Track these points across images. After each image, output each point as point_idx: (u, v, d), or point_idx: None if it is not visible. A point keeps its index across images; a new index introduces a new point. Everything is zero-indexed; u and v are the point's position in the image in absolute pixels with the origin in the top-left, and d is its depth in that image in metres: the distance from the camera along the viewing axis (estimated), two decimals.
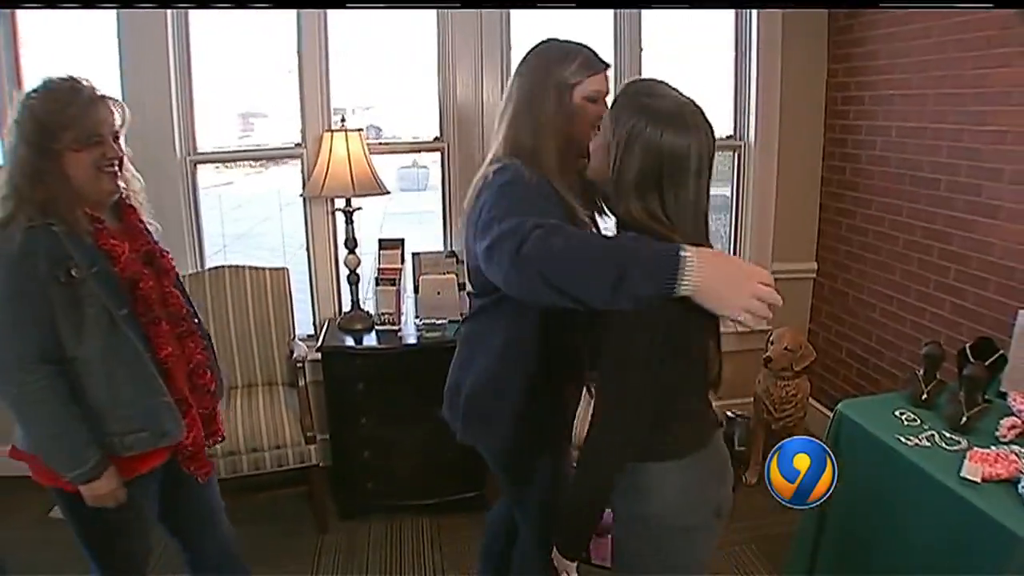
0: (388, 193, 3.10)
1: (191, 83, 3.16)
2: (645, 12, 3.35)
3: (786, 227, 3.66)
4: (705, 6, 3.39)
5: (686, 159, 1.35)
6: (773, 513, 2.81)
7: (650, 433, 1.39)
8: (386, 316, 3.12)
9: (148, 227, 1.81)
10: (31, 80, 2.98)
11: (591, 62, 1.63)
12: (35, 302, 1.53)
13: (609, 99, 1.58)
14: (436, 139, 3.44)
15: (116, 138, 1.66)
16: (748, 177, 3.62)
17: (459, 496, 3.09)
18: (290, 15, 3.16)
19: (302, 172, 3.30)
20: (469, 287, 1.77)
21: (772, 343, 3.18)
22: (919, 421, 2.16)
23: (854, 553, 2.18)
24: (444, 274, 3.14)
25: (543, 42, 1.67)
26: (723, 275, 1.21)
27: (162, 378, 1.68)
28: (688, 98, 1.39)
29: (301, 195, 3.29)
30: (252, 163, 4.02)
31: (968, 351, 2.37)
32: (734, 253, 3.71)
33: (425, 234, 3.77)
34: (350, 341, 3.07)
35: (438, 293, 3.10)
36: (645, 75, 1.56)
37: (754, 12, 3.42)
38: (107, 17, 2.97)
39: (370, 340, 3.07)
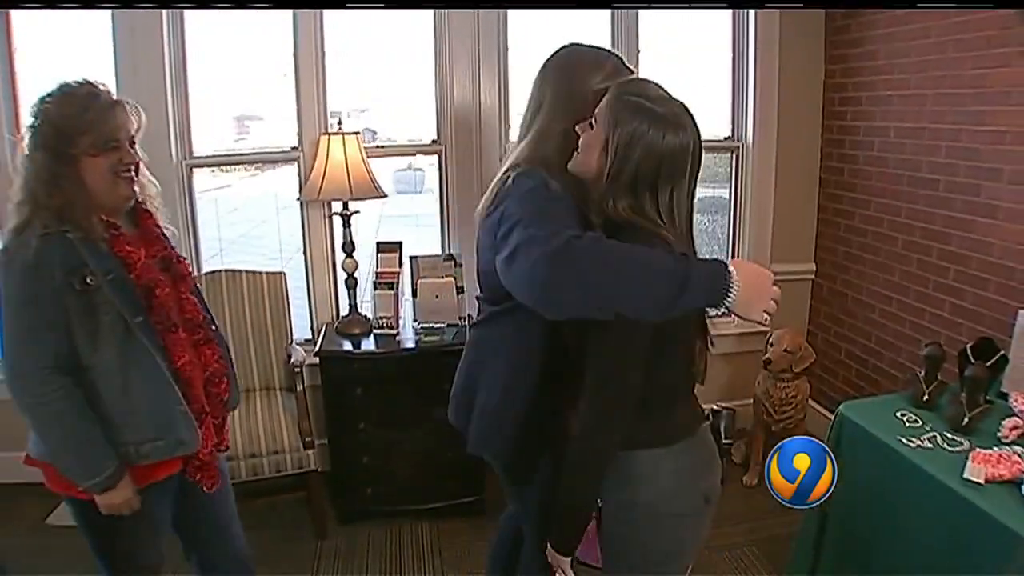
0: (386, 196, 3.09)
1: (187, 86, 3.15)
2: (643, 13, 3.35)
3: (784, 228, 3.65)
4: (703, 6, 3.38)
5: (684, 160, 1.40)
6: (773, 514, 2.84)
7: (640, 421, 1.43)
8: (384, 320, 3.11)
9: (165, 232, 1.80)
10: (25, 84, 3.01)
11: (620, 69, 1.60)
12: (50, 309, 1.52)
13: None
14: (433, 142, 3.42)
15: (133, 143, 1.64)
16: (746, 178, 3.62)
17: (458, 500, 3.07)
18: (286, 18, 3.14)
19: (299, 175, 3.29)
20: (478, 291, 1.75)
21: (771, 345, 3.18)
22: (920, 422, 2.16)
23: (856, 554, 2.18)
24: (442, 277, 3.12)
25: (567, 47, 1.64)
26: (753, 284, 1.32)
27: (179, 386, 1.66)
28: (677, 99, 1.43)
29: (298, 199, 3.28)
30: (248, 166, 4.00)
31: (969, 352, 2.37)
32: (733, 254, 3.72)
33: (421, 237, 3.76)
34: (348, 345, 3.05)
35: (436, 296, 3.09)
36: (642, 76, 1.54)
37: (751, 13, 3.42)
38: (102, 20, 2.95)
39: (368, 344, 3.06)
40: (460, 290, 3.14)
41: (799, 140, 3.56)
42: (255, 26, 3.20)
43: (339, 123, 3.12)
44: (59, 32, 2.97)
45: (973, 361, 2.24)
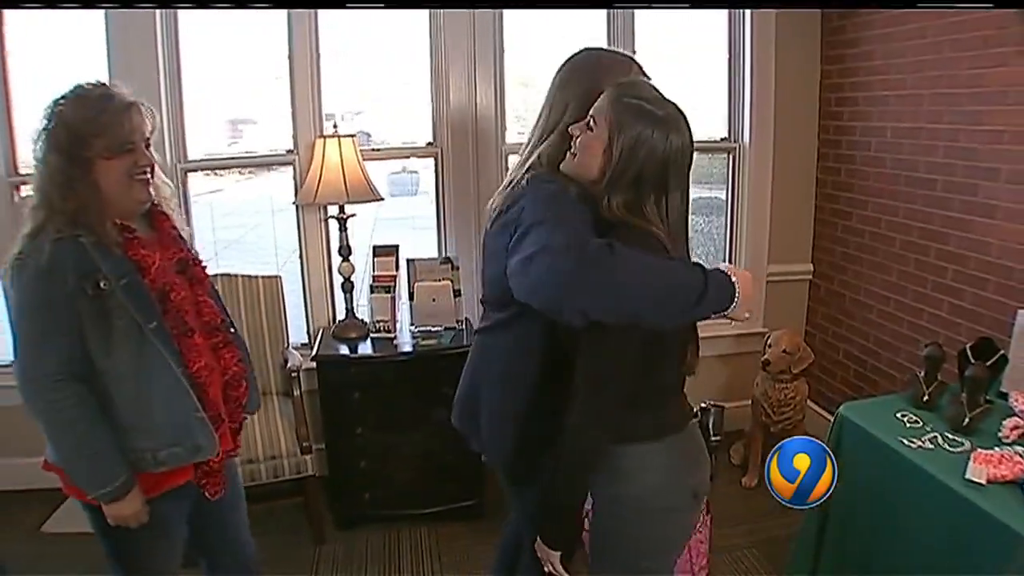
0: (382, 199, 3.07)
1: (181, 89, 3.13)
2: (639, 13, 3.34)
3: (782, 229, 3.65)
4: (699, 6, 3.38)
5: (684, 161, 1.45)
6: (773, 515, 2.84)
7: (631, 416, 1.46)
8: (381, 324, 3.09)
9: (182, 234, 1.78)
10: (18, 85, 2.99)
11: (637, 74, 1.59)
12: (63, 314, 1.51)
13: None
14: (429, 144, 3.41)
15: (148, 144, 1.63)
16: (743, 179, 3.61)
17: (457, 504, 3.06)
18: (280, 20, 3.12)
19: (294, 179, 3.27)
20: (483, 296, 1.74)
21: (770, 346, 3.17)
22: (921, 423, 2.16)
23: (856, 555, 2.18)
24: (439, 281, 3.11)
25: (586, 49, 1.64)
26: (745, 287, 1.43)
27: (195, 392, 1.64)
28: (670, 100, 1.46)
29: (294, 203, 3.26)
30: (242, 170, 3.98)
31: (968, 352, 2.36)
32: (730, 255, 3.72)
33: (416, 239, 3.74)
34: (345, 350, 3.03)
35: (433, 300, 3.07)
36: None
37: (747, 13, 3.42)
38: (95, 22, 2.93)
39: (365, 348, 3.04)
40: (457, 293, 3.13)
41: (796, 140, 3.56)
42: (248, 29, 3.18)
43: (335, 126, 3.10)
44: (52, 34, 2.95)
45: (973, 361, 2.23)
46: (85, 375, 1.55)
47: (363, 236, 3.54)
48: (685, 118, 1.44)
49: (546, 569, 1.57)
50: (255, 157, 3.50)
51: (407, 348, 3.01)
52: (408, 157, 3.66)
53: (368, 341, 3.09)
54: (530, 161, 1.57)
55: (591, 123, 1.44)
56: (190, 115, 3.18)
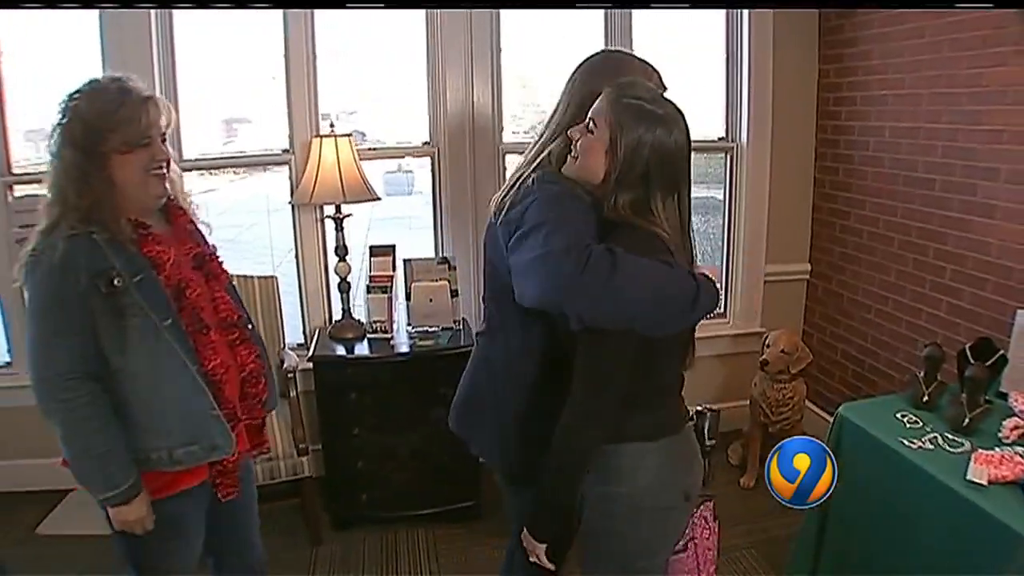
0: (379, 199, 3.06)
1: (176, 89, 3.10)
2: (636, 13, 3.33)
3: (779, 228, 3.65)
4: (698, 6, 3.37)
5: (685, 159, 1.45)
6: (772, 516, 2.84)
7: (627, 416, 1.46)
8: (378, 324, 3.07)
9: (199, 228, 1.77)
10: (12, 85, 2.97)
11: (650, 76, 1.59)
12: (76, 312, 1.49)
13: None
14: (425, 144, 3.40)
15: (164, 139, 1.61)
16: (741, 179, 3.60)
17: (454, 506, 3.05)
18: (275, 20, 3.10)
19: (290, 178, 3.25)
20: (484, 298, 1.72)
21: (768, 346, 3.17)
22: (921, 423, 2.15)
23: (856, 556, 2.17)
24: (436, 281, 3.09)
25: (601, 52, 1.65)
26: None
27: (211, 390, 1.62)
28: (668, 99, 1.47)
29: (290, 202, 3.24)
30: (236, 170, 3.96)
31: (968, 352, 2.36)
32: (728, 255, 3.72)
33: (412, 239, 3.73)
34: (341, 350, 3.02)
35: (430, 300, 3.06)
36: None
37: (745, 13, 3.41)
38: (90, 21, 2.90)
39: (362, 349, 3.03)
40: (454, 293, 3.11)
41: (794, 140, 3.55)
42: (244, 28, 3.16)
43: (331, 125, 3.08)
44: (46, 34, 2.92)
45: (972, 361, 2.23)
46: (99, 373, 1.53)
47: (359, 236, 3.53)
48: (683, 117, 1.44)
49: (531, 559, 1.57)
50: (251, 157, 3.47)
51: (404, 348, 2.99)
52: (404, 157, 3.65)
53: (365, 341, 3.07)
54: (540, 158, 1.56)
55: (591, 125, 1.44)
56: (185, 114, 3.15)
